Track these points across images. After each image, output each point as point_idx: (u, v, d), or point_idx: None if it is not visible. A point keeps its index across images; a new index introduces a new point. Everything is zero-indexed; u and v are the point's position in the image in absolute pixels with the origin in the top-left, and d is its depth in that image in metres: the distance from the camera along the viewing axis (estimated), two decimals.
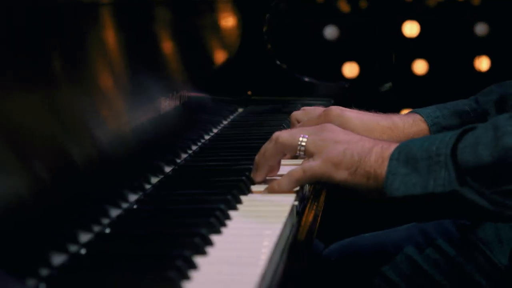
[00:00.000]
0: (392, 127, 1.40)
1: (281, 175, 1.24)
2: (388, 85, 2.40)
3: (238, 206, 1.14)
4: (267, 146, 1.23)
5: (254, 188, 1.23)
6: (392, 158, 1.13)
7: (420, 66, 3.20)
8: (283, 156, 1.25)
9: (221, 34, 1.90)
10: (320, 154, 1.17)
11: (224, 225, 1.06)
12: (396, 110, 2.92)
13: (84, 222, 1.02)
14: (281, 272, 0.96)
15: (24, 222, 0.87)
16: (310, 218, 1.19)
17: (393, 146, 1.15)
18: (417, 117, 1.41)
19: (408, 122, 1.40)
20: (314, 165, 1.16)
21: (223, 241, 1.00)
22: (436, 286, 1.41)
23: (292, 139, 1.20)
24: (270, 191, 1.20)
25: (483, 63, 3.19)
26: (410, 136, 1.39)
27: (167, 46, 1.49)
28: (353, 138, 1.18)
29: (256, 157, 1.25)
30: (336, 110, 1.41)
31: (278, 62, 2.06)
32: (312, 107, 1.55)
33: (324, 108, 1.45)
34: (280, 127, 1.67)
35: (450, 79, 3.17)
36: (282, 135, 1.22)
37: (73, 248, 0.96)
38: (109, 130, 1.14)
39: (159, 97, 1.37)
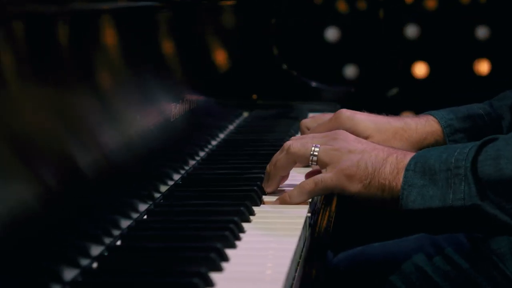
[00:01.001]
0: (405, 128, 1.37)
1: (290, 185, 1.23)
2: (394, 90, 2.37)
3: (251, 217, 1.12)
4: (279, 156, 1.20)
5: (265, 198, 1.21)
6: (408, 169, 1.11)
7: (420, 69, 3.19)
8: (293, 166, 1.22)
9: (226, 38, 1.87)
10: (333, 165, 1.14)
11: (238, 238, 1.03)
12: (398, 113, 2.91)
13: (95, 234, 0.99)
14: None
15: (32, 236, 0.84)
16: (323, 230, 1.17)
17: (408, 156, 1.13)
18: (430, 118, 1.39)
19: (421, 123, 1.38)
20: (327, 177, 1.14)
21: (238, 256, 0.97)
22: None
23: (304, 150, 1.18)
24: (282, 202, 1.17)
25: (483, 66, 3.17)
26: (424, 136, 1.37)
27: (173, 51, 1.46)
28: (367, 147, 1.15)
29: (267, 167, 1.22)
30: (347, 112, 1.39)
31: (284, 67, 2.03)
32: (321, 114, 1.53)
33: (334, 114, 1.42)
34: (288, 133, 1.65)
35: (450, 82, 3.16)
36: (294, 145, 1.19)
37: (84, 262, 0.93)
38: (117, 138, 1.11)
39: (167, 103, 1.35)
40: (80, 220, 0.96)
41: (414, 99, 3.12)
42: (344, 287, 1.52)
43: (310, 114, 1.93)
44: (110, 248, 0.99)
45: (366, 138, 1.32)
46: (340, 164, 1.13)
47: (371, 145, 1.16)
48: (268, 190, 1.22)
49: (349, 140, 1.17)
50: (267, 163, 1.37)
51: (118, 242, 1.02)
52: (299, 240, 1.04)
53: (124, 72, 1.20)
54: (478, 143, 1.09)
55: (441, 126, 1.37)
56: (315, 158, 1.17)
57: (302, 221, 1.10)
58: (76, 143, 0.98)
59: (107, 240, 1.01)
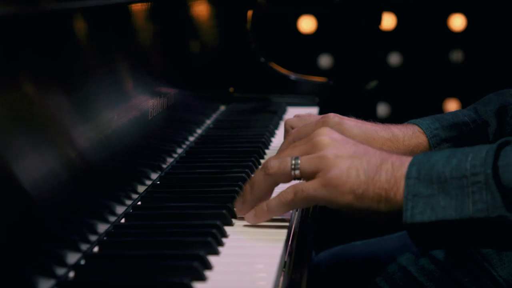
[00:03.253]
0: (392, 139, 1.28)
1: None
2: (373, 82, 2.34)
3: (234, 220, 1.07)
4: (257, 179, 1.05)
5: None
6: (409, 176, 0.98)
7: (395, 59, 3.16)
8: (276, 186, 1.07)
9: (203, 31, 1.82)
10: (318, 174, 1.01)
11: (221, 244, 0.99)
12: (375, 104, 2.88)
13: (71, 240, 0.94)
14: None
15: (1, 242, 0.79)
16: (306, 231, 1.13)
17: (406, 162, 1.01)
18: (416, 128, 1.31)
19: (407, 134, 1.30)
20: (308, 186, 1.01)
21: (221, 263, 0.93)
22: None
23: (284, 166, 1.03)
24: (258, 215, 1.05)
25: (458, 56, 3.16)
26: (411, 149, 1.29)
27: (148, 45, 1.41)
28: (357, 151, 1.03)
29: (245, 187, 1.08)
30: (335, 118, 1.28)
31: (262, 59, 1.99)
32: (307, 114, 1.42)
33: (321, 116, 1.34)
34: (267, 128, 1.60)
35: (425, 72, 3.14)
36: (271, 165, 1.04)
37: (60, 271, 0.88)
38: (92, 137, 1.06)
39: (144, 100, 1.30)
40: (55, 224, 0.90)
41: (390, 89, 3.10)
42: (326, 287, 1.48)
43: (290, 109, 1.89)
44: (87, 256, 0.94)
45: None
46: (326, 172, 1.00)
47: (361, 147, 1.04)
48: (239, 213, 1.08)
49: (335, 140, 1.04)
50: (247, 161, 1.34)
51: (96, 249, 0.98)
52: (284, 245, 1.00)
53: (98, 69, 1.15)
54: (493, 146, 0.98)
55: (427, 137, 1.30)
56: (297, 172, 1.02)
57: (287, 223, 1.06)
58: (49, 142, 0.93)
59: (84, 247, 0.96)
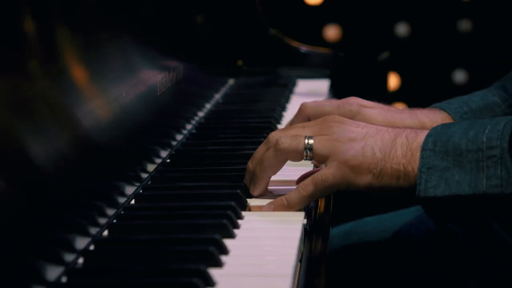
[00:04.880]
0: (419, 127, 1.18)
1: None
2: (385, 54, 2.28)
3: (248, 201, 1.03)
4: (265, 154, 1.01)
5: (251, 202, 1.04)
6: (425, 148, 0.95)
7: (403, 29, 3.11)
8: (285, 163, 1.03)
9: (210, 2, 1.77)
10: (332, 157, 0.97)
11: (236, 226, 0.94)
12: (385, 76, 2.83)
13: (79, 224, 0.90)
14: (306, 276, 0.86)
15: (8, 229, 0.75)
16: (323, 211, 1.08)
17: (421, 134, 0.97)
18: (444, 114, 1.23)
19: (436, 121, 1.21)
20: (328, 174, 0.97)
21: (238, 247, 0.88)
22: (453, 277, 1.30)
23: (296, 143, 0.99)
24: (277, 210, 0.99)
25: (466, 26, 3.11)
26: None
27: (153, 20, 1.36)
28: (370, 131, 0.99)
29: (250, 164, 1.03)
30: (355, 106, 1.20)
31: (272, 32, 1.93)
32: (328, 100, 1.32)
33: (341, 101, 1.23)
34: (278, 103, 1.55)
35: (433, 42, 3.08)
36: (283, 140, 1.00)
37: (69, 257, 0.84)
38: (98, 114, 1.01)
39: (153, 75, 1.25)
40: (62, 207, 0.86)
41: (398, 59, 3.05)
42: (337, 265, 1.43)
43: (301, 82, 1.84)
44: (97, 240, 0.89)
45: None
46: (341, 155, 0.97)
47: (372, 127, 1.00)
48: (255, 193, 1.03)
49: (346, 125, 1.00)
50: (259, 137, 1.29)
51: (105, 233, 0.93)
52: (302, 227, 0.95)
53: (105, 44, 1.10)
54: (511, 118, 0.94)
55: None
56: (310, 153, 0.99)
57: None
58: (55, 121, 0.88)
59: (93, 231, 0.92)
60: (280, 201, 1.00)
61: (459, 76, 3.14)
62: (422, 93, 3.02)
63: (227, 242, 0.88)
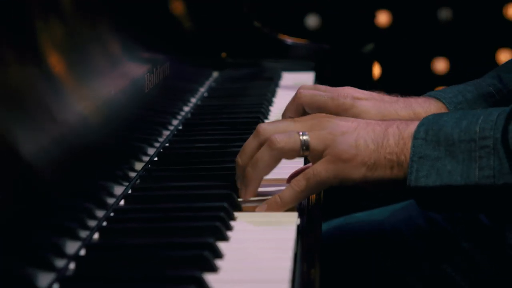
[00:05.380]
0: (414, 118, 1.17)
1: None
2: (370, 46, 2.27)
3: (240, 200, 1.01)
4: (261, 155, 0.97)
5: (243, 204, 1.01)
6: (417, 137, 0.94)
7: (383, 18, 3.10)
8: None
9: None
10: (328, 151, 0.96)
11: (229, 228, 0.93)
12: (369, 66, 2.81)
13: (68, 228, 0.87)
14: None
15: None
16: (316, 209, 1.07)
17: (412, 124, 0.96)
18: (438, 103, 1.21)
19: (430, 111, 1.18)
20: (319, 169, 0.95)
21: (232, 250, 0.87)
22: (445, 276, 1.29)
23: (293, 142, 0.96)
24: (271, 209, 0.97)
25: (446, 14, 3.10)
26: None
27: (136, 10, 1.33)
28: (360, 124, 0.98)
29: (240, 160, 1.00)
30: (350, 100, 1.16)
31: (256, 23, 1.91)
32: (324, 87, 1.24)
33: (337, 93, 1.18)
34: (265, 97, 1.53)
35: (413, 31, 3.07)
36: (278, 139, 0.97)
37: (59, 263, 0.82)
38: (82, 114, 0.99)
39: (135, 69, 1.22)
40: (49, 210, 0.83)
41: (378, 48, 3.04)
42: (327, 261, 1.42)
43: (286, 75, 1.83)
44: (88, 245, 0.87)
45: None
46: (334, 149, 0.95)
47: (362, 121, 0.99)
48: (247, 196, 0.99)
49: (337, 119, 0.99)
50: (248, 133, 1.26)
51: (96, 236, 0.91)
52: (297, 227, 0.94)
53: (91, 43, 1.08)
54: (506, 109, 0.93)
55: None
56: (306, 150, 0.97)
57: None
58: (38, 120, 0.86)
59: (83, 234, 0.90)
60: (273, 200, 0.98)
61: (440, 65, 3.14)
62: (403, 81, 3.02)
63: (221, 245, 0.87)
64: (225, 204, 0.95)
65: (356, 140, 0.96)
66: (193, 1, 1.73)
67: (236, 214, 0.96)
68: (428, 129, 0.95)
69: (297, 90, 1.19)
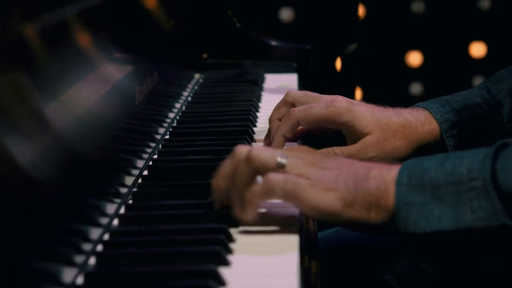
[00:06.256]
0: (405, 125, 1.20)
1: None
2: (353, 46, 2.24)
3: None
4: (241, 171, 0.94)
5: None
6: (400, 183, 0.91)
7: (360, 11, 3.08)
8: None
9: None
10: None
11: (230, 251, 0.90)
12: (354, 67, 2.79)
13: (62, 253, 0.84)
14: None
15: None
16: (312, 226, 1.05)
17: (394, 168, 0.93)
18: (427, 113, 1.23)
19: (420, 120, 1.21)
20: (301, 183, 0.92)
21: (234, 276, 0.84)
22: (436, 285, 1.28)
23: (269, 158, 0.94)
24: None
25: (419, 7, 3.09)
26: (424, 135, 1.21)
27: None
28: (342, 162, 0.95)
29: (220, 183, 0.96)
30: (345, 103, 1.17)
31: (238, 24, 1.87)
32: (316, 94, 1.24)
33: (329, 96, 1.20)
34: (251, 102, 1.50)
35: (387, 23, 3.06)
36: (256, 153, 0.94)
37: None
38: (71, 128, 0.95)
39: (128, 83, 1.19)
40: (38, 235, 0.79)
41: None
42: (324, 275, 1.39)
43: (269, 77, 1.80)
44: (86, 273, 0.84)
45: (366, 135, 1.17)
46: (316, 176, 0.92)
47: (344, 159, 0.97)
48: (249, 218, 0.94)
49: (318, 155, 0.97)
50: (237, 143, 1.23)
51: (92, 261, 0.88)
52: (299, 249, 0.91)
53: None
54: (491, 149, 0.90)
55: (438, 122, 1.21)
56: (282, 171, 0.94)
57: (296, 219, 0.98)
58: (26, 133, 0.82)
59: (79, 259, 0.86)
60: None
61: (414, 58, 3.13)
62: (377, 75, 3.01)
63: (223, 270, 0.84)
64: (224, 226, 0.93)
65: (336, 177, 0.93)
66: (174, 2, 1.70)
67: (235, 235, 0.94)
68: (411, 174, 0.91)
69: (290, 110, 1.17)
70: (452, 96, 1.25)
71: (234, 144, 1.21)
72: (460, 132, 1.22)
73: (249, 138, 1.29)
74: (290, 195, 0.92)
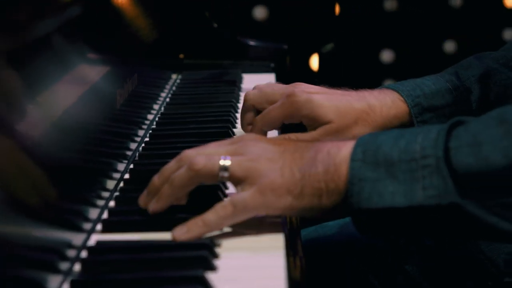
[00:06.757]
0: (368, 110, 1.17)
1: None
2: (329, 46, 2.24)
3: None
4: (180, 174, 0.94)
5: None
6: (354, 159, 0.90)
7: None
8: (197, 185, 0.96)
9: None
10: (250, 180, 0.92)
11: (216, 256, 0.89)
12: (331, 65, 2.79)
13: (46, 260, 0.83)
14: None
15: None
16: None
17: (344, 147, 0.92)
18: (395, 95, 1.20)
19: (386, 103, 1.19)
20: (246, 196, 0.91)
21: (221, 280, 0.83)
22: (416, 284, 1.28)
23: (211, 165, 0.93)
24: (192, 232, 0.92)
25: (391, 5, 3.10)
26: (389, 120, 1.19)
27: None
28: (288, 147, 0.94)
29: (157, 181, 0.97)
30: (303, 94, 1.16)
31: (215, 25, 1.87)
32: (268, 85, 1.26)
33: (285, 90, 1.19)
34: (231, 103, 1.50)
35: (361, 19, 3.07)
36: (197, 161, 0.93)
37: None
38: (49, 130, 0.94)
39: (109, 86, 1.18)
40: (22, 240, 0.78)
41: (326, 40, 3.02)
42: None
43: (246, 77, 1.79)
44: (71, 280, 0.83)
45: (326, 124, 1.16)
46: (259, 178, 0.91)
47: (290, 144, 0.95)
48: (155, 208, 0.95)
49: (263, 143, 0.95)
50: None
51: (77, 268, 0.87)
52: (285, 252, 0.91)
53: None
54: (444, 126, 0.90)
55: (408, 106, 1.19)
56: (226, 174, 0.93)
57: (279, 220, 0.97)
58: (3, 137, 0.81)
59: (63, 266, 0.85)
60: (194, 223, 0.93)
61: (386, 56, 3.14)
62: (352, 74, 3.02)
63: (210, 275, 0.83)
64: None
65: (281, 167, 0.92)
66: (150, 2, 1.69)
67: (220, 240, 0.93)
68: (365, 150, 0.91)
69: (244, 96, 1.19)
70: (421, 80, 1.22)
71: None
72: (430, 118, 1.21)
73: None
74: (246, 213, 0.92)
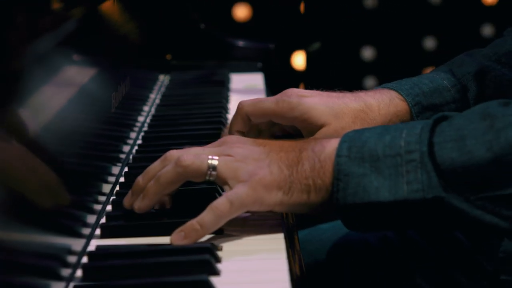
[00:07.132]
0: (365, 109, 1.15)
1: None
2: (316, 45, 2.24)
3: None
4: (166, 170, 0.94)
5: None
6: (339, 154, 0.91)
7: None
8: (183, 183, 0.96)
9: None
10: (240, 179, 0.93)
11: (218, 260, 0.89)
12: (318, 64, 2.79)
13: (48, 266, 0.82)
14: None
15: None
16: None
17: (329, 143, 0.93)
18: (393, 94, 1.19)
19: (383, 102, 1.17)
20: (242, 193, 0.92)
21: (225, 284, 0.83)
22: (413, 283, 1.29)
23: (200, 163, 0.93)
24: (189, 236, 0.91)
25: (371, 2, 3.11)
26: (388, 119, 1.17)
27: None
28: (273, 148, 0.95)
29: (141, 181, 0.97)
30: (294, 98, 1.13)
31: (202, 25, 1.86)
32: (263, 98, 1.18)
33: (279, 95, 1.15)
34: (221, 104, 1.50)
35: (339, 19, 3.07)
36: (185, 158, 0.94)
37: None
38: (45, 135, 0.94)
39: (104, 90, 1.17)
40: (23, 247, 0.77)
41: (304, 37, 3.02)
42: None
43: (234, 77, 1.79)
44: (73, 287, 0.82)
45: (321, 126, 1.13)
46: (251, 176, 0.92)
47: (275, 144, 0.96)
48: (141, 206, 0.95)
49: (248, 144, 0.96)
50: None
51: (79, 274, 0.86)
52: (286, 255, 0.91)
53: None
54: (429, 121, 0.92)
55: (409, 105, 1.18)
56: (214, 173, 0.93)
57: (279, 221, 0.97)
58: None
59: (65, 272, 0.85)
60: (190, 227, 0.92)
61: (367, 53, 3.15)
62: (331, 71, 3.01)
63: (214, 280, 0.83)
64: (211, 234, 0.92)
65: (269, 165, 0.93)
66: (137, 2, 1.68)
67: (221, 244, 0.93)
68: (351, 146, 0.92)
69: (238, 103, 1.16)
70: (418, 78, 1.22)
71: None
72: (431, 116, 1.20)
73: None
74: (241, 210, 0.93)
